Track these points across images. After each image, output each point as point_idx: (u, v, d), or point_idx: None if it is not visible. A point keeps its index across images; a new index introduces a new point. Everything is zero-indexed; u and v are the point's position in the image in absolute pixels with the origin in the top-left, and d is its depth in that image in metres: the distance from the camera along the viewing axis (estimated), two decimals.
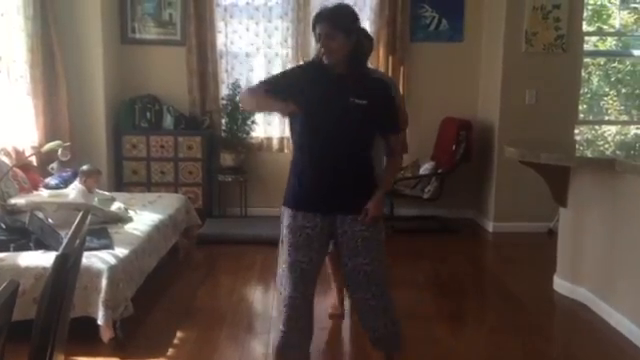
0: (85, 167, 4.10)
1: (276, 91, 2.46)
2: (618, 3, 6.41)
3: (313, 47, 5.51)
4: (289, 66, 5.78)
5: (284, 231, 2.54)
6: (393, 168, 2.74)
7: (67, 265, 1.44)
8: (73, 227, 1.62)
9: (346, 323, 3.54)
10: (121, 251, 3.24)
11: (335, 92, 2.42)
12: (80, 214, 1.72)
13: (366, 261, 2.49)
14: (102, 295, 2.96)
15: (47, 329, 1.37)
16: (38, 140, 4.89)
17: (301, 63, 2.64)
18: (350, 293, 2.68)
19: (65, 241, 1.52)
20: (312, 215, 2.48)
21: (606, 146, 5.25)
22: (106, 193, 4.31)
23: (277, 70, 5.82)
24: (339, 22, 2.40)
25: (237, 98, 2.38)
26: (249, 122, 5.72)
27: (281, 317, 2.58)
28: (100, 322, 2.97)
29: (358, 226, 2.48)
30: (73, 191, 4.05)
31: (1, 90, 4.70)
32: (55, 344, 1.44)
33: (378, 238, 2.54)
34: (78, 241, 1.57)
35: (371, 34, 5.77)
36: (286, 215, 2.53)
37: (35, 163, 4.84)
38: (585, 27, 5.76)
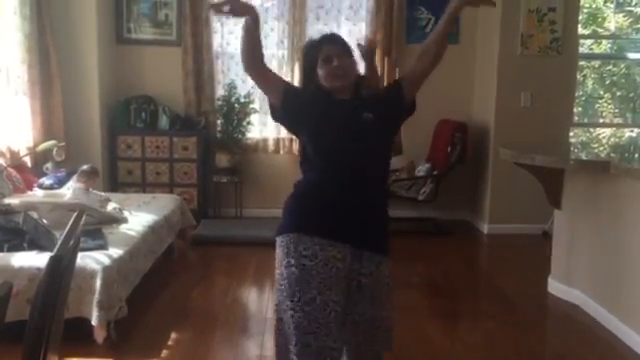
0: (85, 167, 4.10)
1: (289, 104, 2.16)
2: (613, 6, 6.43)
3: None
4: (285, 67, 5.80)
5: (295, 264, 2.03)
6: None
7: (61, 266, 1.44)
8: (67, 227, 1.61)
9: None
10: (116, 252, 3.23)
11: (344, 115, 2.13)
12: (75, 214, 1.72)
13: (387, 314, 2.17)
14: (96, 296, 2.95)
15: (41, 330, 1.37)
16: (33, 140, 4.87)
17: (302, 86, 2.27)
18: (362, 349, 2.21)
19: (59, 242, 1.51)
20: (341, 245, 2.05)
21: (600, 149, 5.26)
22: (101, 193, 4.30)
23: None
24: (347, 43, 2.20)
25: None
26: (245, 123, 5.72)
27: None
28: (94, 323, 2.96)
29: (385, 270, 2.15)
30: (70, 190, 4.04)
31: None
32: (49, 345, 1.43)
33: (391, 288, 2.22)
34: (72, 242, 1.57)
35: (366, 35, 5.82)
36: (297, 243, 2.05)
37: (30, 164, 4.82)
38: (580, 30, 5.79)
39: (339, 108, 2.15)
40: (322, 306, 1.99)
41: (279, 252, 2.11)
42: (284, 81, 2.29)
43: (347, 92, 2.17)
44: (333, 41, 2.18)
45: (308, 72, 2.17)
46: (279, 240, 2.12)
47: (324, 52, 2.13)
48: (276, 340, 2.16)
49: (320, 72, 2.13)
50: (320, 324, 1.99)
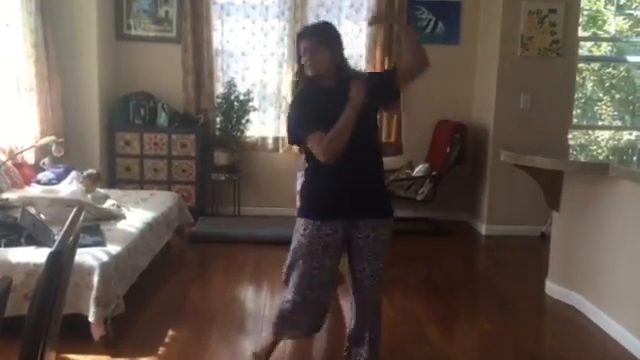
0: (92, 171, 4.14)
1: (316, 126, 2.44)
2: (614, 9, 6.44)
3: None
4: (285, 66, 5.79)
5: (301, 240, 2.56)
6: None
7: (60, 262, 1.43)
8: (67, 224, 1.60)
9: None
10: (113, 248, 3.22)
11: (335, 104, 2.41)
12: (74, 211, 1.71)
13: (379, 264, 2.62)
14: (93, 292, 2.94)
15: (39, 326, 1.36)
16: (32, 136, 4.86)
17: (296, 94, 2.71)
18: (360, 296, 2.69)
19: (59, 238, 1.51)
20: (336, 222, 2.51)
21: (599, 151, 5.27)
22: (100, 190, 4.29)
23: (272, 70, 5.84)
24: (323, 37, 2.49)
25: (324, 157, 2.36)
26: (244, 121, 5.71)
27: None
28: (91, 319, 2.95)
29: (382, 229, 2.58)
30: (68, 188, 4.03)
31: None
32: (47, 341, 1.43)
33: (388, 240, 2.65)
34: (71, 238, 1.56)
35: (365, 37, 5.81)
36: (305, 225, 2.54)
37: (33, 160, 4.83)
38: (580, 32, 5.79)
39: (328, 100, 2.45)
40: (303, 272, 2.58)
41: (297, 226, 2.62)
42: (310, 115, 2.50)
43: (329, 80, 2.50)
44: (307, 35, 2.51)
45: (299, 60, 2.54)
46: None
47: (301, 45, 2.49)
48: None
49: (303, 63, 2.50)
50: (298, 285, 2.61)
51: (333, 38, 2.52)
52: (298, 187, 2.92)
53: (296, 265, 2.62)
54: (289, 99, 5.80)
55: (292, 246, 2.64)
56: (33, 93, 4.86)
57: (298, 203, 2.74)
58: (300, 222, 2.58)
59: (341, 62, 2.53)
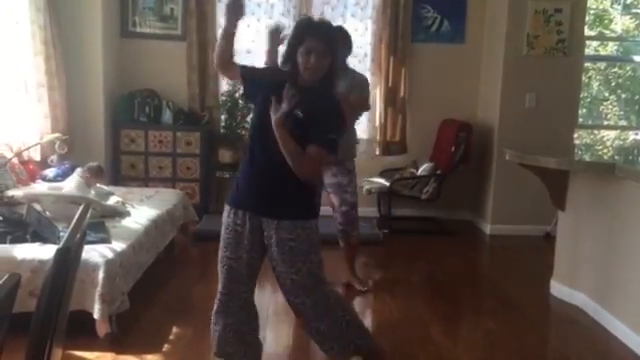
0: (94, 164, 4.09)
1: (247, 73, 2.49)
2: (620, 8, 6.42)
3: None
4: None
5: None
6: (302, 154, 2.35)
7: (68, 258, 1.43)
8: (74, 220, 1.60)
9: None
10: (118, 245, 3.22)
11: (291, 101, 2.31)
12: (80, 207, 1.71)
13: (292, 270, 2.48)
14: (98, 289, 2.94)
15: (47, 322, 1.36)
16: (39, 133, 4.87)
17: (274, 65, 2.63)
18: (286, 297, 2.62)
19: (66, 234, 1.51)
20: (242, 213, 2.48)
21: (605, 151, 5.25)
22: (104, 187, 4.30)
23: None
24: (332, 44, 2.37)
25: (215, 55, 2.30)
26: (248, 119, 5.70)
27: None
28: (96, 316, 2.95)
29: (284, 234, 2.43)
30: (70, 183, 4.03)
31: (4, 83, 4.68)
32: (54, 338, 1.43)
33: (304, 248, 2.46)
34: (79, 235, 1.56)
35: (370, 35, 5.80)
36: (225, 212, 2.56)
37: (39, 157, 4.84)
38: (586, 31, 5.77)
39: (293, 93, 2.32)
40: (219, 261, 2.53)
41: None
42: (240, 67, 2.53)
43: (310, 83, 2.38)
44: (319, 36, 2.34)
45: (291, 49, 2.38)
46: None
47: (308, 43, 2.31)
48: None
49: (299, 57, 2.34)
50: (219, 274, 2.55)
51: (336, 47, 2.42)
52: None
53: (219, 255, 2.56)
54: None
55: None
56: (43, 90, 4.87)
57: None
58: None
59: (330, 70, 2.39)
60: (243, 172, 2.54)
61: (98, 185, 4.18)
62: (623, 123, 6.79)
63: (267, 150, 2.39)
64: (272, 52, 3.68)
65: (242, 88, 2.56)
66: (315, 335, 2.62)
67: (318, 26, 2.43)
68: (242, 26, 5.87)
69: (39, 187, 4.35)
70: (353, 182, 3.91)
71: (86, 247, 2.94)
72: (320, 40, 2.33)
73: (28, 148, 4.71)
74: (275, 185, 2.44)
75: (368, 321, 3.72)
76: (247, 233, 2.47)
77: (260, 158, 2.45)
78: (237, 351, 2.59)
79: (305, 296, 2.52)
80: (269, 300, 3.79)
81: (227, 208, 2.54)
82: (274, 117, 2.27)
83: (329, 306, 2.57)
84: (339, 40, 2.49)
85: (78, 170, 4.30)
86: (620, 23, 6.48)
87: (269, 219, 2.45)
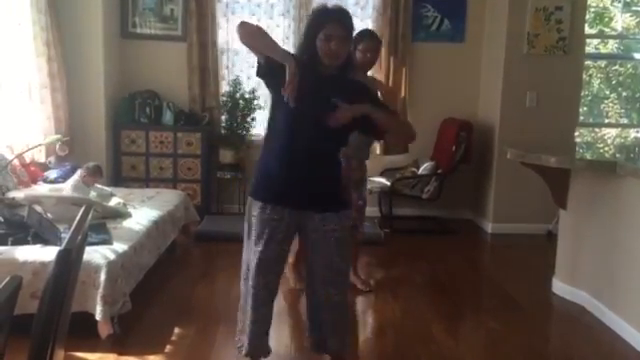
0: (91, 164, 4.08)
1: (275, 65, 2.34)
2: (620, 6, 6.41)
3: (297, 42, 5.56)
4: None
5: (252, 221, 2.53)
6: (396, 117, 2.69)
7: (70, 260, 1.43)
8: (75, 222, 1.60)
9: None
10: (120, 246, 3.23)
11: (320, 91, 2.38)
12: (82, 209, 1.71)
13: (334, 259, 2.52)
14: (100, 290, 2.94)
15: (49, 324, 1.36)
16: (42, 134, 4.87)
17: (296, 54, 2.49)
18: (315, 289, 2.63)
19: (68, 236, 1.51)
20: (280, 209, 2.46)
21: (606, 149, 5.25)
22: (105, 188, 4.30)
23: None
24: (351, 27, 2.39)
25: (236, 28, 2.21)
26: (249, 119, 5.71)
27: (247, 308, 2.60)
28: (98, 317, 2.95)
29: (331, 225, 2.48)
30: (68, 184, 4.03)
31: (6, 85, 4.68)
32: (56, 339, 1.42)
33: (347, 237, 2.56)
34: (80, 236, 1.56)
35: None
36: (254, 207, 2.51)
37: (44, 158, 4.85)
38: (587, 30, 5.76)
39: (319, 81, 2.38)
40: (251, 256, 2.56)
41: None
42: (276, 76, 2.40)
43: (334, 69, 2.41)
44: (340, 22, 2.36)
45: (309, 37, 2.39)
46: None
47: (328, 29, 2.33)
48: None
49: (319, 44, 2.35)
50: (253, 268, 2.54)
51: (353, 27, 2.45)
52: None
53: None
54: None
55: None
56: (46, 91, 4.88)
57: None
58: (249, 201, 2.54)
59: (349, 53, 2.50)
60: (273, 167, 2.46)
61: (99, 186, 4.18)
62: (624, 121, 6.79)
63: (307, 142, 2.39)
64: None
65: (265, 76, 2.47)
66: (321, 329, 2.65)
67: (337, 12, 2.42)
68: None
69: (40, 189, 4.35)
70: (366, 180, 4.01)
71: (88, 248, 2.94)
72: (340, 26, 2.35)
73: (28, 150, 4.71)
74: (319, 178, 2.46)
75: (370, 320, 3.73)
76: (283, 227, 2.48)
77: (300, 151, 2.41)
78: (263, 345, 2.67)
79: (333, 287, 2.55)
80: None
81: (259, 204, 2.48)
82: (332, 123, 2.30)
83: (346, 302, 2.64)
84: (353, 25, 2.47)
85: (79, 171, 4.30)
86: (620, 21, 6.47)
87: (314, 213, 2.47)
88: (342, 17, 2.40)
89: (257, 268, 2.51)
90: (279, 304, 3.72)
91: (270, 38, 2.42)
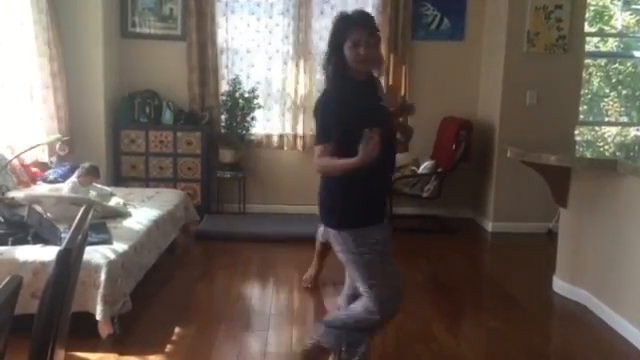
0: (87, 164, 4.08)
1: (331, 137, 2.28)
2: (620, 4, 6.41)
3: (315, 51, 5.54)
4: (290, 63, 5.77)
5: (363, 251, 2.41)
6: None
7: (70, 260, 1.42)
8: (75, 222, 1.60)
9: None
10: (120, 246, 3.22)
11: (372, 99, 2.38)
12: (82, 209, 1.70)
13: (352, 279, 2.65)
14: (100, 290, 2.94)
15: (49, 324, 1.36)
16: (43, 134, 4.87)
17: (328, 92, 2.38)
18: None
19: (68, 236, 1.50)
20: (373, 228, 2.43)
21: (606, 147, 5.24)
22: (105, 188, 4.30)
23: (277, 67, 5.83)
24: (376, 28, 2.31)
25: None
26: (249, 119, 5.70)
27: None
28: (98, 317, 2.95)
29: (389, 233, 2.55)
30: (67, 185, 4.03)
31: (7, 85, 4.68)
32: (57, 339, 1.42)
33: None
34: (80, 236, 1.56)
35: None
36: (365, 234, 2.40)
37: (46, 158, 4.85)
38: (587, 28, 5.76)
39: (367, 92, 2.37)
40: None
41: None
42: (334, 128, 2.30)
43: (363, 74, 2.34)
44: (364, 25, 2.28)
45: (335, 48, 2.30)
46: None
47: (354, 35, 2.25)
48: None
49: (347, 52, 2.27)
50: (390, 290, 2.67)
51: (379, 32, 2.36)
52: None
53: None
54: (293, 96, 5.80)
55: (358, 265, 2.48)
56: (48, 91, 4.87)
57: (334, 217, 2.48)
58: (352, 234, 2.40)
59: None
60: (359, 192, 2.36)
61: (99, 186, 4.18)
62: (624, 119, 6.79)
63: (384, 164, 2.34)
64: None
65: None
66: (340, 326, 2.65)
67: (359, 16, 2.33)
68: (242, 25, 5.80)
69: (40, 189, 4.35)
70: None
71: (88, 248, 2.94)
72: (365, 29, 2.27)
73: (28, 150, 4.70)
74: (385, 194, 2.61)
75: None
76: (380, 244, 2.46)
77: (378, 172, 2.35)
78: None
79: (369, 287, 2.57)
80: (270, 300, 3.80)
81: (369, 228, 2.40)
82: (367, 156, 2.14)
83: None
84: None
85: (77, 172, 4.31)
86: (620, 19, 6.47)
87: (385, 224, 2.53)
88: (366, 20, 2.31)
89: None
90: (279, 304, 3.73)
91: (340, 164, 2.27)
